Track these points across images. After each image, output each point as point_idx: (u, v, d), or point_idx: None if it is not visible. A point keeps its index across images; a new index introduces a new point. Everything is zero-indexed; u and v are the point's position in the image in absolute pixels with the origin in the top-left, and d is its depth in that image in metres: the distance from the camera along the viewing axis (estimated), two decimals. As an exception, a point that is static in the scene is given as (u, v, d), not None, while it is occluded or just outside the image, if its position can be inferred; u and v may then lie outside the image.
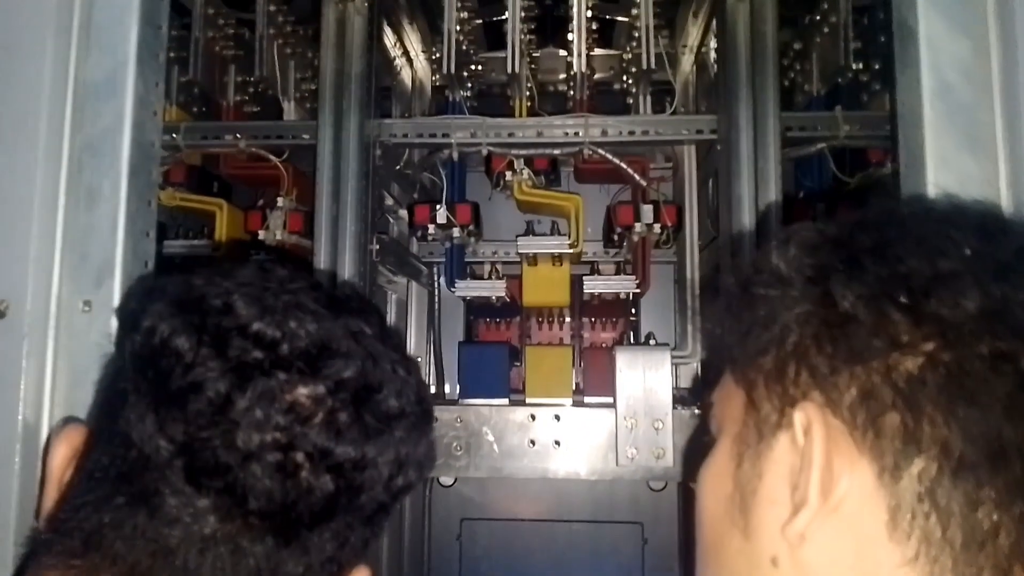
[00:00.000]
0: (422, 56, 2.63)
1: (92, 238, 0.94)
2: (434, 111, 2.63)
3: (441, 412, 1.97)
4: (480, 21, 2.25)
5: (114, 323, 0.92)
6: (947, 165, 0.88)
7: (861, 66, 2.00)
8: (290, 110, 2.14)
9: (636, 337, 2.49)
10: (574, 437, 1.80)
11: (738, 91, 1.86)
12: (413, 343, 2.53)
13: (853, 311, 0.56)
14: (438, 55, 2.66)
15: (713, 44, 2.45)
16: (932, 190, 0.88)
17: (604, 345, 2.54)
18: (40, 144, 0.91)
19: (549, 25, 2.27)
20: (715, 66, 2.48)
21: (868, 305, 0.56)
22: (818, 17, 2.04)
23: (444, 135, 2.01)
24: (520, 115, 2.09)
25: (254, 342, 0.63)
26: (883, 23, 1.97)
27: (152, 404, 0.63)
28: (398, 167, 2.22)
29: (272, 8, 2.03)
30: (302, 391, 0.63)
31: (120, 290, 0.93)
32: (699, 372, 2.08)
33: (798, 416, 0.58)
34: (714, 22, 2.36)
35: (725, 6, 1.90)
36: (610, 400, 2.14)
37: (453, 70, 2.00)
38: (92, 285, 0.94)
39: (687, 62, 2.54)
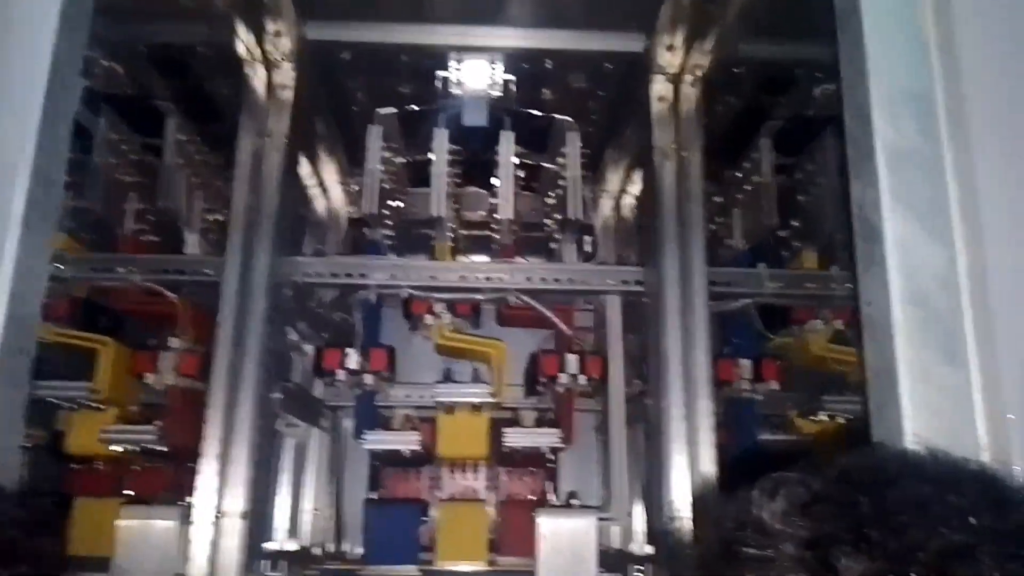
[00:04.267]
0: (338, 187, 2.54)
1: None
2: (350, 244, 2.53)
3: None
4: (403, 160, 2.19)
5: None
6: (926, 377, 0.83)
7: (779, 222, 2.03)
8: (193, 243, 1.99)
9: (555, 486, 2.37)
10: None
11: (665, 246, 1.84)
12: (312, 493, 2.31)
13: None
14: (356, 188, 2.59)
15: (633, 191, 2.48)
16: (906, 400, 0.83)
17: (521, 497, 2.39)
18: None
19: (473, 165, 2.22)
20: (635, 212, 2.51)
21: None
22: (740, 174, 2.08)
23: (362, 276, 1.91)
24: (443, 258, 2.00)
25: None
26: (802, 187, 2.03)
27: None
28: (309, 305, 2.08)
29: (183, 136, 1.91)
30: None
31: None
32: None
33: None
34: (635, 172, 2.39)
35: (651, 162, 1.90)
36: (527, 561, 2.01)
37: (375, 210, 1.91)
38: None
39: (607, 206, 2.55)
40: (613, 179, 2.47)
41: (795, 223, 2.05)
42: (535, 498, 2.37)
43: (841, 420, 1.99)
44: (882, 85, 0.90)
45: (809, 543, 0.51)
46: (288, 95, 1.90)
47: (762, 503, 0.54)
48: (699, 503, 1.66)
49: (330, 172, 2.47)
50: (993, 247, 0.84)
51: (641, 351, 2.11)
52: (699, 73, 1.91)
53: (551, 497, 2.30)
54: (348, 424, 2.27)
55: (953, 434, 0.82)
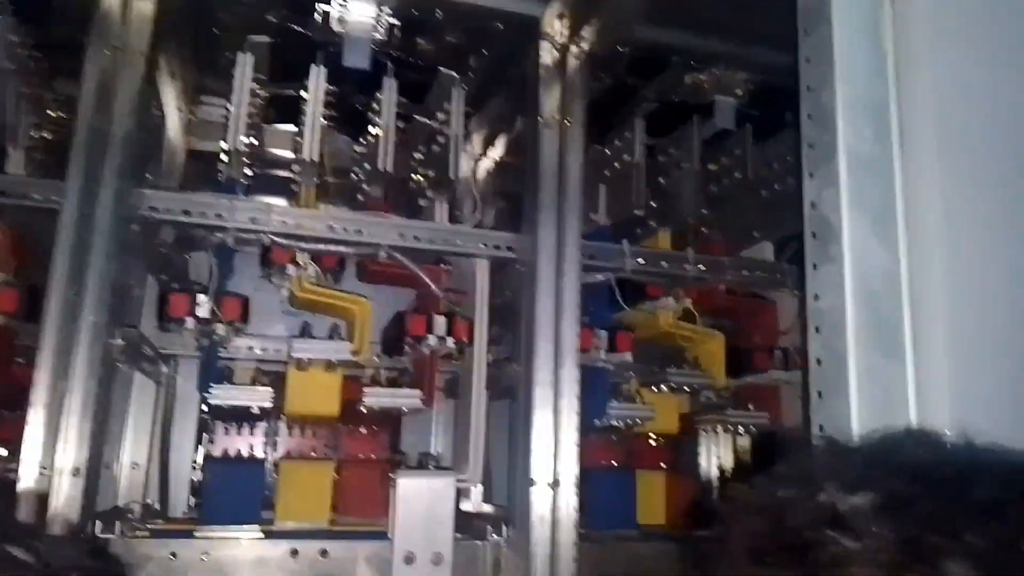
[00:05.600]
0: (176, 114, 2.28)
1: None
2: (183, 178, 2.29)
3: (182, 547, 1.64)
4: (267, 94, 2.01)
5: None
6: (869, 370, 0.90)
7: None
8: (16, 161, 1.71)
9: (395, 444, 2.33)
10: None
11: (542, 214, 1.86)
12: (130, 445, 2.09)
13: None
14: (198, 118, 2.36)
15: (495, 155, 2.47)
16: (854, 390, 0.90)
17: (362, 456, 2.32)
18: None
19: (338, 109, 2.08)
20: (493, 176, 2.50)
21: None
22: (609, 151, 2.13)
23: (219, 216, 1.74)
24: (307, 205, 1.88)
25: None
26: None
27: None
28: (150, 243, 1.86)
29: (13, 38, 1.62)
30: None
31: None
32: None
33: None
34: (500, 136, 2.37)
35: (533, 129, 1.89)
36: (367, 520, 1.97)
37: (240, 146, 1.75)
38: None
39: (468, 166, 2.51)
40: (478, 140, 2.44)
41: (654, 203, 2.15)
42: (375, 457, 2.31)
43: (680, 394, 2.14)
44: (845, 91, 0.96)
45: (906, 542, 0.51)
46: (147, 7, 1.67)
47: (842, 498, 0.55)
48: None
49: (170, 97, 2.22)
50: (933, 253, 0.93)
51: (499, 316, 2.12)
52: (586, 47, 1.92)
53: (395, 456, 2.25)
54: (182, 375, 2.09)
55: (889, 424, 0.90)
